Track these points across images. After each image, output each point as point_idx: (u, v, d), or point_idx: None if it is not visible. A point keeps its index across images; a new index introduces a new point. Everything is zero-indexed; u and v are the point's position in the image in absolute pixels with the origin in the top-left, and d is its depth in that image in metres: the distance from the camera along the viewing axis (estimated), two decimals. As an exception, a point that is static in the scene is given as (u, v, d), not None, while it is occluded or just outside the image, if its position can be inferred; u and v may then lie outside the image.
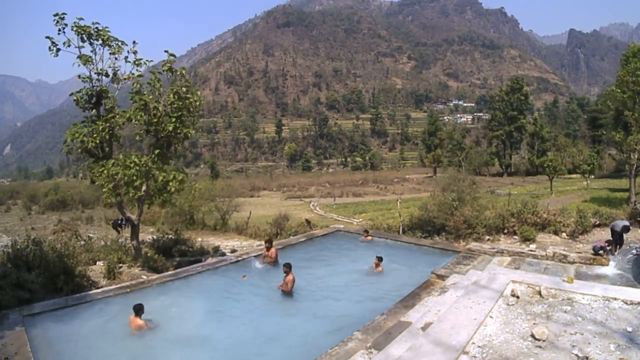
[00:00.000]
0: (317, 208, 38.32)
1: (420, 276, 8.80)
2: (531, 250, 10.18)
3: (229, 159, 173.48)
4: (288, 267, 8.32)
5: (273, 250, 10.26)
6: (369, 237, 12.80)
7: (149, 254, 10.59)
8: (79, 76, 9.10)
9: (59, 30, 8.59)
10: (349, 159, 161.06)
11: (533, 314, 5.74)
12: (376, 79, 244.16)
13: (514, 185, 49.84)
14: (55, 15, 8.59)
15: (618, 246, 9.36)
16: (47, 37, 8.56)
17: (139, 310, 6.72)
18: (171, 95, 9.51)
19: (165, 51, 9.60)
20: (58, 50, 8.64)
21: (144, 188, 9.04)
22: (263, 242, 11.12)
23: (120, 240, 11.84)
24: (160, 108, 9.34)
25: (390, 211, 27.46)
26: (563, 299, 6.19)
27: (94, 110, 9.28)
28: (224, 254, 11.82)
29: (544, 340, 4.91)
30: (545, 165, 37.16)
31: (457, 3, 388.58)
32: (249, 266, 10.10)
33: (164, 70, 9.58)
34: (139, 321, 6.67)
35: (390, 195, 49.39)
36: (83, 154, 9.23)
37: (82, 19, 8.75)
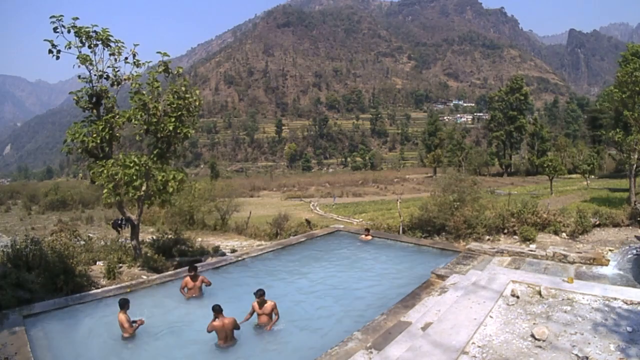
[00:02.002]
0: (317, 208, 38.28)
1: (420, 276, 8.80)
2: (531, 250, 10.18)
3: (229, 159, 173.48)
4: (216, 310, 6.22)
5: (202, 278, 8.25)
6: (369, 237, 12.69)
7: (149, 254, 10.58)
8: (79, 77, 9.10)
9: (55, 30, 8.54)
10: (349, 159, 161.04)
11: (533, 314, 5.74)
12: (376, 79, 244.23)
13: (514, 185, 49.78)
14: (52, 17, 8.55)
15: None
16: (46, 40, 8.51)
17: (123, 305, 6.58)
18: (170, 95, 9.53)
19: (158, 52, 9.60)
20: (59, 52, 8.60)
21: (143, 188, 9.04)
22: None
23: (120, 240, 11.83)
24: (159, 108, 9.35)
25: (390, 211, 27.43)
26: (563, 299, 6.19)
27: (94, 110, 9.28)
28: (224, 254, 11.82)
29: (544, 340, 4.91)
30: (545, 165, 37.06)
31: (457, 3, 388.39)
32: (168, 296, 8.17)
33: (161, 71, 9.58)
34: (121, 316, 6.50)
35: (390, 195, 49.32)
36: (83, 154, 9.23)
37: (77, 18, 8.71)
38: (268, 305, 6.76)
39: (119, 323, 6.52)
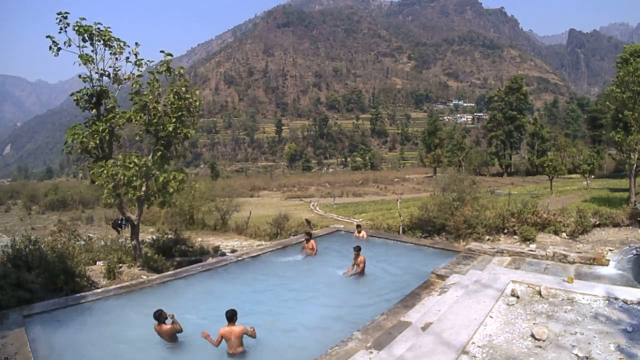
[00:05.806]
0: (317, 208, 38.26)
1: (420, 276, 8.79)
2: (531, 250, 10.17)
3: (229, 159, 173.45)
4: None
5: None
6: (362, 233, 12.49)
7: (149, 254, 10.58)
8: (80, 76, 9.11)
9: (60, 29, 8.56)
10: (349, 159, 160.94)
11: (533, 313, 5.74)
12: (376, 79, 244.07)
13: (514, 185, 49.76)
14: (58, 14, 8.58)
15: None
16: (48, 37, 8.54)
17: (159, 316, 6.24)
18: (171, 96, 9.53)
19: (162, 51, 9.62)
20: (59, 49, 8.62)
21: (143, 188, 9.03)
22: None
23: (120, 240, 11.84)
24: (160, 108, 9.35)
25: (390, 211, 27.41)
26: (563, 299, 6.19)
27: (94, 111, 9.28)
28: (224, 254, 11.82)
29: (544, 340, 4.91)
30: (545, 165, 37.06)
31: (457, 3, 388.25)
32: None
33: (162, 71, 9.59)
34: (165, 326, 6.26)
35: (390, 195, 49.30)
36: (83, 154, 9.23)
37: (84, 18, 8.75)
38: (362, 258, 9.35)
39: (159, 334, 6.20)
